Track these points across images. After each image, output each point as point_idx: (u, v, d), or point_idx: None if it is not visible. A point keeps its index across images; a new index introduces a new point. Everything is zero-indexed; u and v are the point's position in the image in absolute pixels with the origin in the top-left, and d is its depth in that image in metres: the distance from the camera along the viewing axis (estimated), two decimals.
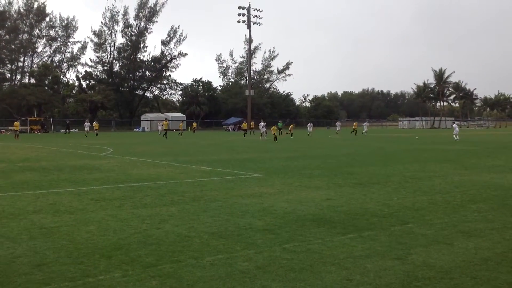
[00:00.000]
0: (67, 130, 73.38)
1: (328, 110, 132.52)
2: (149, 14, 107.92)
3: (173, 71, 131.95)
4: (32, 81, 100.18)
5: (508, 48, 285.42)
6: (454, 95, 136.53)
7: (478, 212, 10.53)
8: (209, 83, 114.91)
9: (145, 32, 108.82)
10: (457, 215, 10.14)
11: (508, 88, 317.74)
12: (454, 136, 45.44)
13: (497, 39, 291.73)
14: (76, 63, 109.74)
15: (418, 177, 16.64)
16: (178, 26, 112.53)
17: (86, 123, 63.33)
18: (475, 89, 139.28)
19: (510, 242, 7.96)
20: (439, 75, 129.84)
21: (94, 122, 63.92)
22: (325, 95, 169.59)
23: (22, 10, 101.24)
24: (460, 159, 24.33)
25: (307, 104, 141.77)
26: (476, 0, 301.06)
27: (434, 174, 17.51)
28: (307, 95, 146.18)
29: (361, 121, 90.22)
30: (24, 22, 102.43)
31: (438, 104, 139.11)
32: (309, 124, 66.68)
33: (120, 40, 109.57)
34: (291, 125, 60.49)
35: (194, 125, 73.36)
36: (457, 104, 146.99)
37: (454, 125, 48.53)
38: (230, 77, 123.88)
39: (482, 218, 9.83)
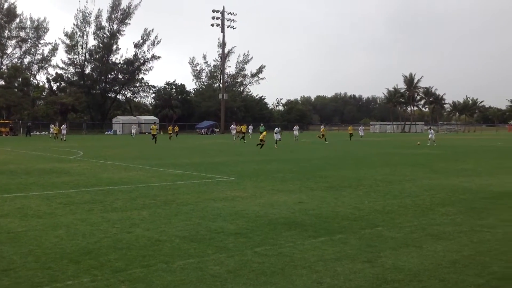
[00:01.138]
0: (28, 133, 72.17)
1: (301, 114, 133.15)
2: (121, 16, 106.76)
3: (146, 74, 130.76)
4: (1, 82, 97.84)
5: (477, 54, 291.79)
6: (424, 100, 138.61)
7: (446, 215, 10.70)
8: (182, 86, 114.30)
9: (117, 34, 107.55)
10: (426, 218, 10.28)
11: (477, 93, 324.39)
12: (431, 141, 44.11)
13: (468, 45, 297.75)
14: (47, 65, 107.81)
15: (389, 181, 16.83)
16: (152, 30, 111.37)
17: (52, 126, 63.58)
18: (444, 94, 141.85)
19: (477, 245, 8.11)
20: (410, 80, 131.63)
21: (54, 126, 62.83)
22: (298, 99, 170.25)
23: None
24: (430, 163, 24.70)
25: (281, 107, 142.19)
26: (447, 8, 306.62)
27: (404, 178, 17.74)
28: (280, 99, 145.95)
29: (355, 125, 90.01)
30: None
31: (408, 108, 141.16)
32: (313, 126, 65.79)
33: (92, 42, 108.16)
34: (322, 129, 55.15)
35: (177, 128, 71.60)
36: (427, 109, 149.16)
37: (430, 131, 46.31)
38: (203, 80, 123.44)
39: (450, 221, 9.99)
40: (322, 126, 58.95)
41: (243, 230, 9.01)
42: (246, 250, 7.62)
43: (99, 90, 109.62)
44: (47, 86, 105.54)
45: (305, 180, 16.85)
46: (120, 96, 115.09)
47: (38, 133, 79.44)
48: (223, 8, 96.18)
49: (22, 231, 8.88)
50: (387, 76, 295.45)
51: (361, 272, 6.54)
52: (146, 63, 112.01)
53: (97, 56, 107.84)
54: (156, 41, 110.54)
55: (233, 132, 57.53)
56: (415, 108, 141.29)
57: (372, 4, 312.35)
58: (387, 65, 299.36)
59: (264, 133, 39.61)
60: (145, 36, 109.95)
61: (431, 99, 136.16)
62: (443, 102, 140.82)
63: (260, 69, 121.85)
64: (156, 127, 52.47)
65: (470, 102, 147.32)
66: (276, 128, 45.18)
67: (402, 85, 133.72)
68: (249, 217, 10.26)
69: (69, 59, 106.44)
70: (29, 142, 50.83)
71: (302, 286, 6.01)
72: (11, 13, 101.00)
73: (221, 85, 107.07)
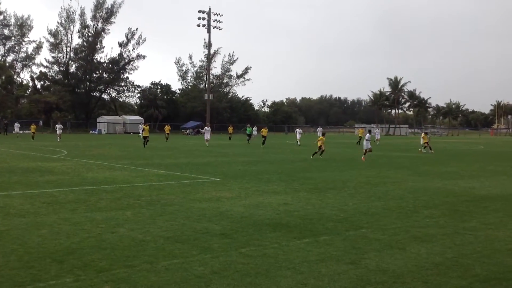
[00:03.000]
0: (5, 132, 71.29)
1: (287, 116, 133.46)
2: (106, 15, 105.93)
3: (131, 73, 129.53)
4: None
5: (461, 59, 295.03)
6: (409, 103, 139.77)
7: (430, 217, 10.80)
8: (168, 86, 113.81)
9: (102, 33, 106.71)
10: (410, 221, 10.36)
11: (461, 98, 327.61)
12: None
13: (452, 50, 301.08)
14: (31, 63, 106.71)
15: (373, 183, 16.93)
16: (136, 29, 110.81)
17: (16, 124, 64.63)
18: (430, 98, 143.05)
19: (460, 247, 8.19)
20: (395, 83, 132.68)
21: (32, 125, 62.03)
22: (284, 101, 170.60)
23: None
24: (414, 165, 24.89)
25: (266, 109, 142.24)
26: (432, 14, 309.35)
27: (389, 180, 17.86)
28: (266, 100, 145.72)
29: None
30: None
31: (393, 111, 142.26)
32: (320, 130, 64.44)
33: (76, 40, 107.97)
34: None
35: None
36: (411, 112, 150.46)
37: (377, 130, 41.08)
38: (189, 80, 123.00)
39: (434, 224, 10.08)
40: (422, 133, 41.59)
41: (228, 231, 9.00)
42: (231, 251, 7.62)
43: (83, 89, 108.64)
44: (31, 84, 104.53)
45: (290, 182, 16.88)
46: (105, 96, 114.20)
47: (21, 131, 78.41)
48: (209, 9, 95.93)
49: (4, 230, 8.78)
50: (372, 79, 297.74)
51: (345, 274, 6.57)
52: (131, 62, 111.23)
53: (82, 55, 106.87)
54: (140, 40, 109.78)
55: (207, 136, 46.33)
56: (400, 111, 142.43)
57: (359, 8, 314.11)
58: (372, 69, 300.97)
59: (322, 137, 31.08)
60: (130, 35, 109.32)
61: (415, 102, 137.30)
62: (427, 105, 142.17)
63: (246, 70, 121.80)
64: (148, 128, 44.26)
65: (453, 106, 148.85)
66: (367, 135, 30.14)
67: (387, 88, 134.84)
68: (234, 218, 10.26)
69: (53, 57, 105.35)
70: (12, 140, 50.27)
71: (287, 287, 6.02)
72: None
73: (206, 85, 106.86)
